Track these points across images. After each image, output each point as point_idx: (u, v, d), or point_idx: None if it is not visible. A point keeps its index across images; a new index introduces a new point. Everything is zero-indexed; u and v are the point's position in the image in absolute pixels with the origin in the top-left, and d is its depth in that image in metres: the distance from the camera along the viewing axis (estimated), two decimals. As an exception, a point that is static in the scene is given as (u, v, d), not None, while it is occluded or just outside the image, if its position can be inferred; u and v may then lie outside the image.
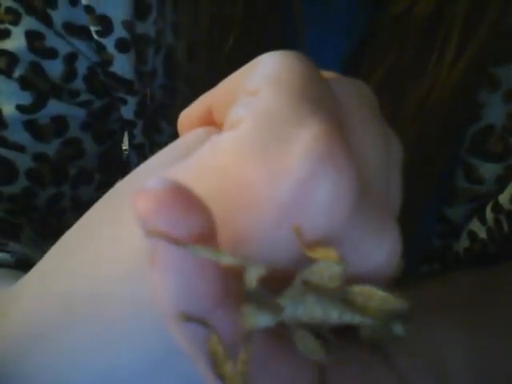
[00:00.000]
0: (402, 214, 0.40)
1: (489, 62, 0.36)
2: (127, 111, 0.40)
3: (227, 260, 0.15)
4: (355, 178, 0.16)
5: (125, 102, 0.40)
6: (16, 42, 0.38)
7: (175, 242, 0.15)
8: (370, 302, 0.17)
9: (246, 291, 0.15)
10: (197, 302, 0.15)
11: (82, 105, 0.40)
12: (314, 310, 0.16)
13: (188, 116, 0.22)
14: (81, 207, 0.42)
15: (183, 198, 0.15)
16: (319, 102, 0.17)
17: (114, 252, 0.19)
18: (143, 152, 0.43)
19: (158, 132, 0.42)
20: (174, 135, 0.41)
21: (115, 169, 0.45)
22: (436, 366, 0.21)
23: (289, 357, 0.16)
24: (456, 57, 0.34)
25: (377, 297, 0.16)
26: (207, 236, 0.15)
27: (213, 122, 0.21)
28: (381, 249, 0.18)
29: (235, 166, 0.16)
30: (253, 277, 0.15)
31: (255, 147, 0.16)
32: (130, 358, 0.19)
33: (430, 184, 0.40)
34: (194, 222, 0.15)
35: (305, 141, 0.15)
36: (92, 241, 0.20)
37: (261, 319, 0.15)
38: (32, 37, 0.38)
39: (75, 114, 0.40)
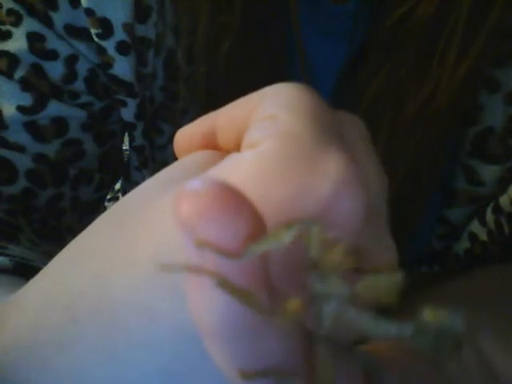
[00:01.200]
0: (402, 215, 0.40)
1: (489, 64, 0.36)
2: (127, 113, 0.40)
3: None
4: (367, 200, 0.17)
5: (125, 104, 0.40)
6: (17, 43, 0.38)
7: (226, 253, 0.14)
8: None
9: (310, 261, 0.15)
10: (244, 321, 0.15)
11: (82, 106, 0.40)
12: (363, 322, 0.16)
13: (187, 135, 0.22)
14: (80, 207, 0.42)
15: (234, 199, 0.14)
16: (334, 130, 0.18)
17: (128, 261, 0.18)
18: (143, 154, 0.43)
19: (159, 134, 0.42)
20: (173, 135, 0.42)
21: (115, 170, 0.45)
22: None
23: None
24: (458, 59, 0.34)
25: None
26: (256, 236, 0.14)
27: (214, 145, 0.21)
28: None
29: (260, 181, 0.16)
30: (315, 241, 0.15)
31: (280, 164, 0.16)
32: (141, 369, 0.19)
33: (430, 186, 0.40)
34: (246, 227, 0.14)
35: (329, 164, 0.16)
36: (102, 250, 0.20)
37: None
38: (33, 38, 0.38)
39: (76, 115, 0.40)
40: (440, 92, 0.35)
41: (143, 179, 0.45)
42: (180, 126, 0.43)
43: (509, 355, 0.23)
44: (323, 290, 0.15)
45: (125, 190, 0.53)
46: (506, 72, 0.37)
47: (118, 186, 0.67)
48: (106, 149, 0.43)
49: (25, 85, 0.38)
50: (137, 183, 0.45)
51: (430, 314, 0.15)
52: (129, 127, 0.42)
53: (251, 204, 0.14)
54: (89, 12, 0.37)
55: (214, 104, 0.38)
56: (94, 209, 0.44)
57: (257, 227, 0.14)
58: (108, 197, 0.67)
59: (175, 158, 0.45)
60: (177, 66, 0.38)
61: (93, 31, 0.37)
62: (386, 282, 0.15)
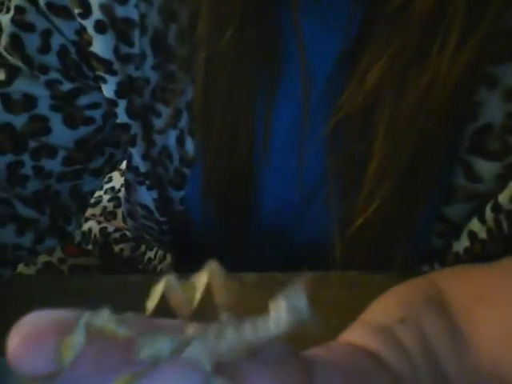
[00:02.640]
0: (401, 212, 0.41)
1: (488, 60, 0.36)
2: (108, 90, 0.42)
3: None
4: None
5: (105, 81, 0.42)
6: (7, 16, 0.41)
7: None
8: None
9: None
10: None
11: (48, 85, 0.43)
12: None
13: None
14: (44, 177, 0.45)
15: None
16: None
17: None
18: (129, 132, 0.44)
19: (156, 115, 0.44)
20: (171, 118, 0.43)
21: (92, 152, 0.47)
22: None
23: None
24: (457, 50, 0.34)
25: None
26: None
27: None
28: None
29: None
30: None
31: None
32: None
33: (428, 182, 0.40)
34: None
35: None
36: None
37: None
38: (17, 11, 0.41)
39: (41, 93, 0.42)
40: (439, 83, 0.35)
41: (135, 162, 0.47)
42: (176, 107, 0.44)
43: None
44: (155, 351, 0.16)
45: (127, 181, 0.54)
46: (505, 69, 0.37)
47: (117, 185, 0.67)
48: (87, 134, 0.45)
49: (1, 60, 0.42)
50: (135, 168, 0.47)
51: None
52: (110, 104, 0.43)
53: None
54: None
55: (212, 86, 0.39)
56: (74, 179, 0.47)
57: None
58: (108, 197, 0.67)
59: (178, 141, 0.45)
60: (168, 47, 0.40)
61: (75, 11, 0.40)
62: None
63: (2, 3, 0.42)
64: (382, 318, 0.20)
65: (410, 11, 0.34)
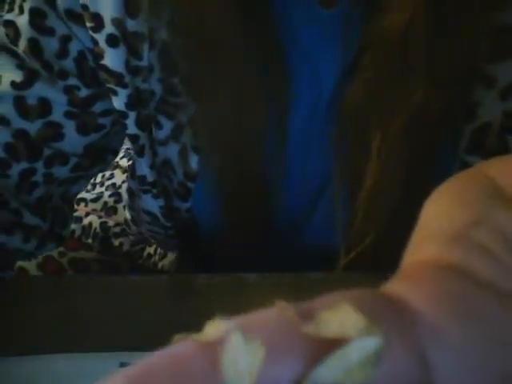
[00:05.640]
0: (401, 214, 0.41)
1: (483, 60, 0.37)
2: (118, 102, 0.43)
3: None
4: None
5: (116, 94, 0.42)
6: (22, 17, 0.41)
7: None
8: None
9: None
10: None
11: (67, 90, 0.43)
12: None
13: None
14: (52, 183, 0.46)
15: None
16: None
17: None
18: (138, 143, 0.44)
19: (158, 127, 0.44)
20: (173, 130, 0.43)
21: (97, 158, 0.48)
22: None
23: None
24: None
25: None
26: None
27: None
28: None
29: None
30: None
31: None
32: None
33: (428, 184, 0.40)
34: None
35: None
36: None
37: None
38: (35, 14, 0.41)
39: (58, 99, 0.42)
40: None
41: (142, 171, 0.47)
42: (178, 121, 0.44)
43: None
44: None
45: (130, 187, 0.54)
46: (502, 68, 0.37)
47: (118, 181, 0.68)
48: (94, 139, 0.45)
49: (20, 62, 0.41)
50: (142, 177, 0.46)
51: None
52: (121, 115, 0.44)
53: None
54: (84, 7, 0.40)
55: (210, 102, 0.38)
56: (71, 183, 0.48)
57: None
58: (109, 193, 0.67)
59: (180, 154, 0.45)
60: (173, 61, 0.41)
61: (88, 24, 0.40)
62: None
63: (5, 1, 0.42)
64: (452, 226, 0.17)
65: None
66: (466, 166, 0.39)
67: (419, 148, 0.38)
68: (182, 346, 0.13)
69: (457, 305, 0.15)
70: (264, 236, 0.47)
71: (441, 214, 0.18)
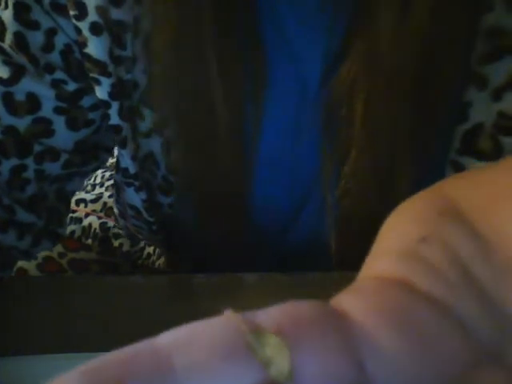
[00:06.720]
0: (390, 189, 0.40)
1: (476, 61, 0.37)
2: (102, 92, 0.42)
3: None
4: None
5: (99, 83, 0.42)
6: (6, 12, 0.41)
7: None
8: None
9: None
10: None
11: (54, 85, 0.43)
12: None
13: None
14: (44, 179, 0.46)
15: None
16: None
17: None
18: (120, 134, 0.44)
19: (141, 119, 0.44)
20: (156, 122, 0.43)
21: (89, 154, 0.48)
22: None
23: None
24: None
25: None
26: None
27: None
28: None
29: None
30: None
31: None
32: None
33: (422, 186, 0.40)
34: None
35: None
36: None
37: None
38: (20, 8, 0.41)
39: (46, 94, 0.42)
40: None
41: (125, 163, 0.46)
42: (162, 114, 0.44)
43: None
44: None
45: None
46: (494, 68, 0.37)
47: (107, 174, 0.68)
48: (85, 135, 0.45)
49: (6, 57, 0.41)
50: (125, 169, 0.46)
51: None
52: (104, 105, 0.44)
53: None
54: None
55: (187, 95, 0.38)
56: (64, 180, 0.48)
57: None
58: (108, 193, 0.67)
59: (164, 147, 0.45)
60: (154, 51, 0.41)
61: (71, 12, 0.40)
62: None
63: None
64: (402, 242, 0.18)
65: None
66: (458, 167, 0.39)
67: (408, 118, 0.38)
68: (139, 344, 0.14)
69: (395, 317, 0.15)
70: (245, 233, 0.47)
71: (395, 230, 0.18)
